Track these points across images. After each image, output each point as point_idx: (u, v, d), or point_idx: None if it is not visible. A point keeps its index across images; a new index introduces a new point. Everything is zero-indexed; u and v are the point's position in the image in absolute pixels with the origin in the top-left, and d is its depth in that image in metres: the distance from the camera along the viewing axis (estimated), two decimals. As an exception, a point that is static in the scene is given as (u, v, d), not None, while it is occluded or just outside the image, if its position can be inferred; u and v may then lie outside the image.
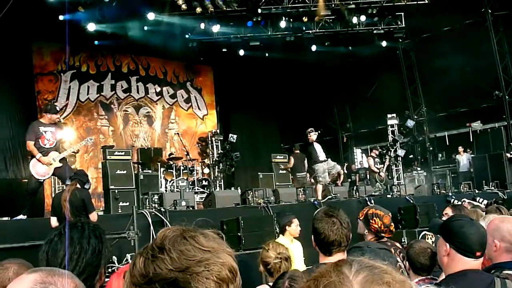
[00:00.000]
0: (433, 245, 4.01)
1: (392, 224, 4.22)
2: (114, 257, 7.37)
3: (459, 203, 6.76)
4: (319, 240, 3.03)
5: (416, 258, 3.77)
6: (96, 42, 17.43)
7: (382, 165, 16.42)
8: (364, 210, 4.29)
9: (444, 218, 5.11)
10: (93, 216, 6.98)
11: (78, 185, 6.98)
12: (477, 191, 14.60)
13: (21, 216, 8.13)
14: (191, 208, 10.08)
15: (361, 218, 4.23)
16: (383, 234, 4.11)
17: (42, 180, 8.54)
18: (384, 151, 17.89)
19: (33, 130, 8.52)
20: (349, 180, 19.86)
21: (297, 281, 2.63)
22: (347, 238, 3.05)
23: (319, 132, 12.67)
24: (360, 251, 2.43)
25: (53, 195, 12.22)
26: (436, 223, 2.92)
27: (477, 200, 11.96)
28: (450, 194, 14.02)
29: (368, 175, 17.57)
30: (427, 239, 4.58)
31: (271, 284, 3.79)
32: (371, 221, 4.08)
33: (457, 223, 2.71)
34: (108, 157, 11.14)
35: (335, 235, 2.99)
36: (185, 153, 15.39)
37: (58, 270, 1.25)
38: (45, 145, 8.53)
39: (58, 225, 4.87)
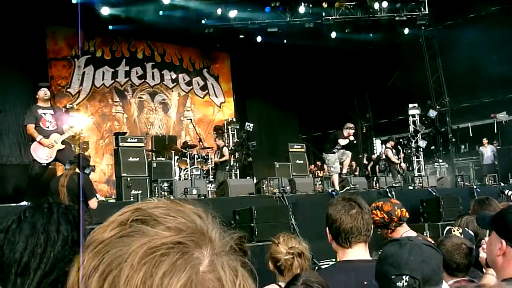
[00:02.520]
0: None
1: (400, 210, 3.77)
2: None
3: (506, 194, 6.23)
4: (335, 228, 2.52)
5: (450, 257, 3.22)
6: (110, 27, 17.08)
7: (403, 156, 15.89)
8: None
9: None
10: (93, 203, 6.57)
11: (77, 170, 6.57)
12: (502, 184, 14.05)
13: (24, 203, 7.79)
14: (202, 197, 9.66)
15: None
16: (392, 224, 3.71)
17: (45, 164, 8.16)
18: (405, 142, 17.36)
19: (31, 113, 8.20)
20: (368, 171, 19.39)
21: (314, 286, 2.12)
22: (368, 225, 2.54)
23: (352, 139, 12.05)
24: (397, 245, 1.93)
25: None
26: (486, 216, 2.39)
27: (506, 193, 11.44)
28: (475, 187, 13.46)
29: (387, 166, 17.03)
30: (453, 232, 4.03)
31: (281, 284, 3.25)
32: (373, 215, 3.56)
33: None
34: (120, 144, 10.92)
35: (354, 220, 2.49)
36: (198, 140, 14.98)
37: None
38: (47, 127, 8.18)
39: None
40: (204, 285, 0.63)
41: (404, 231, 3.81)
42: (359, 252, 2.52)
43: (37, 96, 8.31)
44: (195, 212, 0.71)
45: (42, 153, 8.09)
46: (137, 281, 0.61)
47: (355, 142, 12.42)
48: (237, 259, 0.69)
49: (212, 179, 14.17)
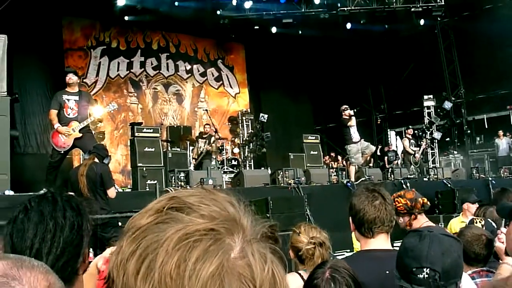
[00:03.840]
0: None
1: (422, 199, 3.79)
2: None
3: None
4: (358, 218, 2.55)
5: (469, 247, 3.24)
6: (126, 18, 17.13)
7: (418, 147, 15.78)
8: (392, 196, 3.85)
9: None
10: (111, 192, 6.64)
11: (96, 160, 6.65)
12: (518, 176, 13.97)
13: (43, 191, 7.86)
14: (218, 187, 9.71)
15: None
16: (415, 210, 3.71)
17: (62, 152, 8.21)
18: (420, 133, 17.27)
19: (56, 99, 8.23)
20: (383, 163, 19.33)
21: (341, 272, 2.16)
22: (391, 216, 2.57)
23: (355, 111, 12.05)
24: (417, 236, 1.96)
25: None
26: (506, 206, 2.41)
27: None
28: (490, 178, 13.40)
29: (402, 158, 16.97)
30: (476, 223, 4.07)
31: (301, 272, 3.30)
32: (395, 204, 3.58)
33: None
34: (136, 134, 10.97)
35: (377, 211, 2.51)
36: (214, 131, 15.02)
37: (30, 260, 0.86)
38: (68, 114, 8.21)
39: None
40: (235, 271, 0.66)
41: (425, 220, 3.83)
42: (381, 242, 2.55)
43: (66, 82, 8.35)
44: (227, 200, 0.74)
45: (59, 141, 8.14)
46: (171, 266, 0.65)
47: (357, 109, 12.51)
48: (267, 246, 0.71)
49: (228, 169, 14.18)
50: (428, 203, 3.89)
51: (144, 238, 0.68)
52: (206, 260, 0.65)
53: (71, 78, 8.24)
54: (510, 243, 2.28)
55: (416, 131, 17.05)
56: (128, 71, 18.48)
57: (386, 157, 19.32)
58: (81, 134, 8.21)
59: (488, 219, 3.95)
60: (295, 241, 3.45)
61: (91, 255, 5.97)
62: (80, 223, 1.56)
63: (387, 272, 2.22)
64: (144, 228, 0.70)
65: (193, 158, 13.90)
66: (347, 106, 12.15)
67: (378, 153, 20.99)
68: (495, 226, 3.79)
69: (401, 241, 2.06)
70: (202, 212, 0.70)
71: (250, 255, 0.68)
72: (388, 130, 23.33)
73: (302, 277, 3.22)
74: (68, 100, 8.21)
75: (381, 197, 2.57)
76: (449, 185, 12.22)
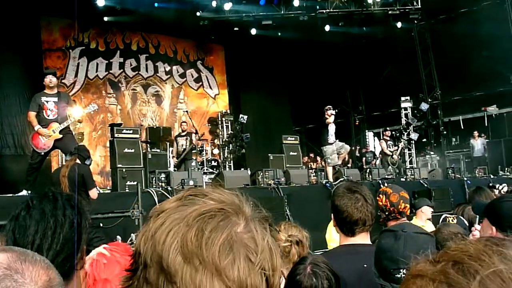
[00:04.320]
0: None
1: (405, 205, 3.76)
2: (118, 236, 7.11)
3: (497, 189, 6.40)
4: (341, 219, 2.64)
5: (445, 244, 3.36)
6: (105, 18, 17.07)
7: (396, 148, 15.99)
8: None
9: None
10: (93, 193, 6.69)
11: (78, 161, 6.69)
12: (492, 176, 14.27)
13: (23, 192, 7.85)
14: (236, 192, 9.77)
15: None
16: (387, 213, 3.73)
17: (42, 153, 8.18)
18: (398, 134, 17.50)
19: (35, 100, 8.20)
20: (361, 163, 19.55)
21: (321, 267, 2.25)
22: (372, 216, 2.66)
23: (336, 111, 12.20)
24: (392, 236, 2.04)
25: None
26: (480, 204, 2.53)
27: (497, 187, 11.60)
28: (465, 178, 13.68)
29: (380, 158, 17.19)
30: (449, 221, 4.19)
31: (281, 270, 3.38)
32: (377, 198, 3.67)
33: (507, 204, 2.34)
34: (116, 135, 10.95)
35: (360, 213, 2.60)
36: (194, 132, 15.04)
37: (33, 255, 1.01)
38: (47, 116, 8.17)
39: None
40: (242, 242, 0.84)
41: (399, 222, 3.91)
42: (361, 238, 2.65)
43: (44, 84, 8.30)
44: (233, 192, 0.94)
45: (39, 142, 8.10)
46: (191, 234, 0.82)
47: (338, 110, 12.60)
48: (265, 225, 0.91)
49: (208, 170, 14.22)
50: (408, 212, 3.87)
51: (169, 216, 0.86)
52: (218, 231, 0.83)
53: (51, 80, 8.19)
54: None
55: (393, 132, 17.26)
56: (107, 72, 18.39)
57: (364, 158, 19.56)
58: (61, 136, 8.18)
59: (460, 217, 4.08)
60: (274, 239, 3.54)
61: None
62: (79, 221, 1.63)
63: (365, 265, 2.32)
64: (168, 210, 0.88)
65: (173, 157, 13.86)
66: (330, 106, 12.30)
67: (357, 154, 21.25)
68: (467, 224, 3.93)
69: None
70: (214, 197, 0.89)
71: (253, 230, 0.86)
72: (366, 131, 23.63)
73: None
74: (47, 101, 8.18)
75: (363, 199, 2.65)
76: (425, 185, 12.44)
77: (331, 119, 12.00)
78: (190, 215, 0.84)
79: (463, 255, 0.61)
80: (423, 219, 6.05)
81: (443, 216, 4.18)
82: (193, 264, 0.80)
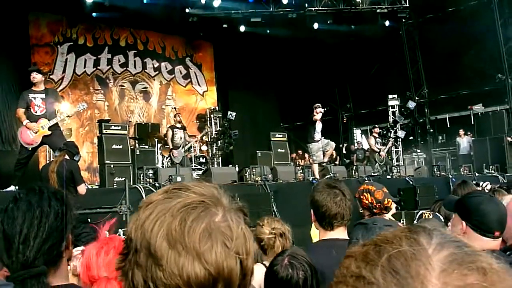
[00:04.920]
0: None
1: (389, 200, 3.91)
2: (106, 232, 7.16)
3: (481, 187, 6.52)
4: (321, 213, 2.78)
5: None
6: (94, 14, 17.05)
7: (384, 146, 16.16)
8: (360, 187, 4.04)
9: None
10: (82, 189, 6.80)
11: (67, 156, 6.75)
12: (477, 174, 14.48)
13: (11, 188, 7.89)
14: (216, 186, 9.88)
15: (356, 196, 3.99)
16: (375, 211, 3.84)
17: (30, 149, 8.23)
18: (385, 132, 17.67)
19: (23, 98, 8.26)
20: (348, 160, 19.70)
21: (298, 259, 2.39)
22: (350, 211, 2.81)
23: (325, 109, 12.34)
24: (364, 228, 2.17)
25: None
26: (451, 200, 2.67)
27: (481, 185, 11.81)
28: (451, 176, 13.88)
29: (367, 155, 17.36)
30: (425, 217, 4.34)
31: (265, 262, 3.51)
32: (362, 197, 3.82)
33: (475, 199, 2.47)
34: (104, 131, 11.04)
35: (338, 207, 2.74)
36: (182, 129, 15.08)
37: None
38: (35, 112, 8.24)
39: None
40: (219, 229, 0.96)
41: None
42: (339, 233, 2.78)
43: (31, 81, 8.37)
44: (213, 186, 1.06)
45: (27, 138, 8.15)
46: (175, 223, 0.94)
47: (327, 109, 12.70)
48: (240, 215, 1.03)
49: (196, 167, 14.29)
50: (393, 207, 4.04)
51: (156, 207, 0.98)
52: (199, 220, 0.95)
53: (35, 77, 8.26)
54: (453, 234, 2.51)
55: (380, 130, 17.42)
56: (95, 68, 18.37)
57: (354, 155, 19.70)
58: (50, 132, 8.25)
59: (437, 214, 4.21)
60: (258, 233, 3.70)
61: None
62: (64, 211, 1.75)
63: (335, 254, 2.45)
64: (156, 202, 1.00)
65: (170, 149, 13.51)
66: (319, 104, 12.44)
67: (344, 151, 21.40)
68: (443, 220, 4.07)
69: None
70: (195, 190, 1.01)
71: (229, 220, 0.98)
72: (354, 128, 23.77)
73: (266, 266, 3.44)
74: (34, 98, 8.24)
75: (342, 194, 2.79)
76: (411, 182, 12.62)
77: (318, 116, 12.13)
78: (174, 207, 0.96)
79: (382, 240, 0.72)
80: (389, 214, 6.14)
81: (419, 213, 4.31)
82: (176, 250, 0.92)
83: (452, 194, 4.70)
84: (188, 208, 0.96)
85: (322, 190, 2.82)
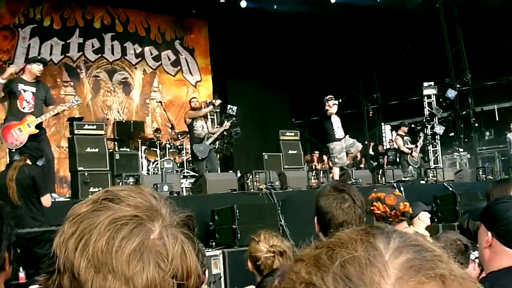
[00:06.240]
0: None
1: (405, 203, 4.01)
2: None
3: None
4: (325, 221, 2.86)
5: (444, 253, 3.61)
6: (62, -10, 17.20)
7: (415, 145, 16.23)
8: (368, 197, 4.14)
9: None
10: (46, 200, 6.91)
11: (29, 161, 6.86)
12: (533, 178, 14.45)
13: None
14: (175, 194, 10.01)
15: (367, 210, 4.09)
16: (391, 220, 3.91)
17: (13, 151, 8.31)
18: (419, 128, 17.69)
19: (9, 85, 8.35)
20: (375, 163, 19.76)
21: None
22: (361, 220, 2.87)
23: (340, 101, 12.46)
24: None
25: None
26: (478, 207, 2.74)
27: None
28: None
29: (398, 157, 17.42)
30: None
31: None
32: (372, 208, 3.90)
33: (502, 205, 2.49)
34: (76, 132, 10.98)
35: (346, 215, 2.81)
36: (169, 127, 15.23)
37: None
38: (23, 108, 8.39)
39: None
40: (153, 249, 0.98)
41: (404, 227, 4.13)
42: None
43: (27, 68, 8.55)
44: (151, 194, 1.08)
45: (10, 138, 8.30)
46: (102, 242, 0.96)
47: (342, 99, 12.82)
48: (179, 231, 1.04)
49: (189, 173, 14.40)
50: (410, 209, 4.12)
51: (82, 222, 1.00)
52: (130, 239, 0.97)
53: (42, 71, 8.63)
54: (480, 248, 2.59)
55: (413, 125, 17.46)
56: (63, 56, 18.51)
57: (385, 157, 19.73)
58: (37, 131, 8.42)
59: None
60: (253, 250, 3.78)
61: (22, 275, 6.23)
62: None
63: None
64: (82, 215, 1.02)
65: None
66: (331, 96, 12.56)
67: (371, 151, 21.45)
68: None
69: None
70: (129, 202, 1.03)
71: (165, 237, 1.00)
72: (382, 123, 23.77)
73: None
74: (25, 91, 8.38)
75: (351, 199, 2.85)
76: (450, 188, 12.66)
77: (333, 109, 12.25)
78: (102, 222, 0.98)
79: (336, 242, 0.79)
80: (422, 228, 6.19)
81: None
82: (102, 273, 0.95)
83: (486, 198, 4.76)
84: (117, 224, 0.99)
85: (328, 194, 2.88)
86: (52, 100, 9.43)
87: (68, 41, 18.66)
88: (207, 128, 13.51)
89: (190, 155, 13.99)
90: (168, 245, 1.00)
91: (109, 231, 0.97)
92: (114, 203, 1.03)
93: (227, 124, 14.10)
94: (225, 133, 14.93)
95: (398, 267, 0.74)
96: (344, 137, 12.63)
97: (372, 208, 3.91)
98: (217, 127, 14.64)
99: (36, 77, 8.58)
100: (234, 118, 14.65)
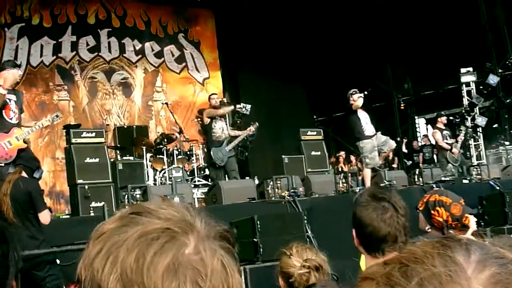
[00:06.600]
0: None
1: (467, 216, 4.05)
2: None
3: None
4: (365, 234, 2.89)
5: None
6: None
7: (455, 139, 16.14)
8: (426, 197, 4.14)
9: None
10: (45, 216, 6.93)
11: (24, 174, 6.90)
12: None
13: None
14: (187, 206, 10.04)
15: (421, 209, 4.09)
16: (452, 231, 3.94)
17: (3, 165, 8.30)
18: (458, 120, 17.60)
19: None
20: (410, 162, 19.69)
21: None
22: (405, 230, 2.88)
23: (366, 93, 12.46)
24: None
25: None
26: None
27: None
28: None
29: (435, 154, 17.33)
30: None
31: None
32: (433, 212, 3.91)
33: None
34: (73, 141, 11.05)
35: (388, 227, 2.82)
36: (177, 131, 15.27)
37: None
38: (10, 119, 8.47)
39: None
40: (190, 264, 0.97)
41: None
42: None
43: (6, 74, 8.50)
44: (184, 206, 1.09)
45: (1, 151, 8.30)
46: (131, 260, 0.96)
47: (368, 92, 12.81)
48: (216, 243, 1.03)
49: (200, 181, 14.43)
50: (472, 224, 4.14)
51: (108, 239, 1.00)
52: (162, 254, 0.96)
53: (21, 76, 8.57)
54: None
55: (451, 118, 17.36)
56: (55, 56, 18.55)
57: (420, 155, 19.65)
58: (26, 145, 8.52)
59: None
60: (285, 265, 3.77)
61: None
62: (4, 251, 1.82)
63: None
64: (108, 232, 1.02)
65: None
66: (355, 90, 12.58)
67: (404, 149, 21.37)
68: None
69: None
70: (160, 215, 1.02)
71: (202, 251, 0.99)
72: (416, 117, 23.66)
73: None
74: (9, 100, 8.45)
75: (392, 208, 2.87)
76: (497, 187, 12.57)
77: (359, 102, 12.26)
78: (130, 238, 0.98)
79: (410, 258, 0.79)
80: (468, 234, 6.20)
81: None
82: None
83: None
84: (148, 239, 0.98)
85: (366, 204, 2.91)
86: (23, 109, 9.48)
87: (60, 40, 18.70)
88: (227, 130, 13.49)
89: (205, 161, 13.94)
90: (205, 260, 0.99)
91: (139, 246, 0.97)
92: (143, 217, 1.03)
93: (251, 129, 14.13)
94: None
95: (483, 283, 0.74)
96: (375, 134, 12.61)
97: (432, 212, 3.94)
98: (232, 129, 14.57)
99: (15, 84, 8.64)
100: (255, 124, 14.50)
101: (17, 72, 8.66)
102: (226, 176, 13.50)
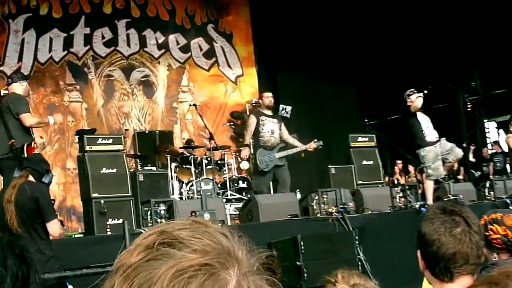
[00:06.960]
0: None
1: None
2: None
3: None
4: (431, 253, 2.82)
5: None
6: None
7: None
8: (480, 221, 4.09)
9: None
10: (54, 227, 6.88)
11: (31, 177, 6.89)
12: None
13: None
14: (219, 224, 10.03)
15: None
16: (505, 248, 3.88)
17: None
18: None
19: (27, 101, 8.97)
20: (479, 173, 19.50)
21: None
22: (479, 250, 2.82)
23: (426, 92, 12.37)
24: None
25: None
26: None
27: None
28: None
29: (508, 164, 17.16)
30: None
31: None
32: (487, 233, 3.82)
33: None
34: (87, 148, 11.09)
35: (459, 244, 2.75)
36: (207, 137, 15.30)
37: None
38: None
39: None
40: None
41: None
42: (463, 286, 2.75)
43: (22, 84, 9.14)
44: (220, 232, 1.06)
45: None
46: None
47: (428, 90, 12.72)
48: (263, 278, 1.03)
49: (234, 195, 14.45)
50: None
51: (137, 276, 0.99)
52: None
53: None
54: None
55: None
56: (66, 52, 18.62)
57: (491, 164, 19.49)
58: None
59: None
60: (330, 294, 3.77)
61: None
62: (25, 274, 1.83)
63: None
64: (135, 266, 1.01)
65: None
66: (413, 90, 12.50)
67: (472, 157, 21.19)
68: None
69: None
70: (195, 246, 1.01)
71: (248, 286, 0.99)
72: (485, 120, 23.49)
73: None
74: None
75: (464, 222, 2.81)
76: None
77: (418, 102, 12.17)
78: (164, 276, 0.96)
79: (500, 276, 0.81)
80: None
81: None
82: None
83: None
84: (184, 278, 0.96)
85: (433, 218, 2.86)
86: None
87: (71, 33, 18.74)
88: (279, 134, 13.37)
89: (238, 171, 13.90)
90: None
91: (175, 287, 0.95)
92: (175, 249, 1.02)
93: (311, 145, 13.79)
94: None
95: None
96: (439, 140, 12.50)
97: (488, 234, 3.85)
98: (292, 135, 14.35)
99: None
100: (318, 142, 14.15)
101: (27, 85, 8.90)
102: (271, 188, 13.42)
